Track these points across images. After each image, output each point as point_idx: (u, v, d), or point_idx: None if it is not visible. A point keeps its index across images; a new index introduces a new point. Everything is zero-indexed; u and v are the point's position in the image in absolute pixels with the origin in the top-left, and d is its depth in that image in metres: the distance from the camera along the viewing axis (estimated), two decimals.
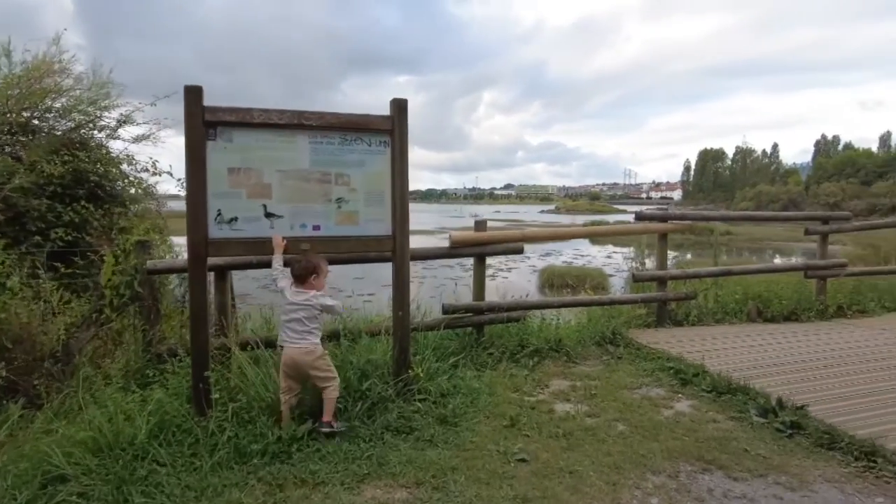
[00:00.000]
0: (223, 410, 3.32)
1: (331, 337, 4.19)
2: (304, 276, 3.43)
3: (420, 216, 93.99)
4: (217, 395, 3.43)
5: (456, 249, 4.79)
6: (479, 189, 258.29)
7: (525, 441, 3.34)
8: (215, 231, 3.44)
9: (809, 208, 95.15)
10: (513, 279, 27.84)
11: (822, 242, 6.75)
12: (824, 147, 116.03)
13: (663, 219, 5.91)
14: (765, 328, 6.07)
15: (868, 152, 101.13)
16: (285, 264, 3.51)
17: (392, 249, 3.74)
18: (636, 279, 5.90)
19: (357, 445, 3.22)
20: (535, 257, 35.93)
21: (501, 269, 30.24)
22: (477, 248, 4.87)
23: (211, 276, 4.24)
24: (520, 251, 4.97)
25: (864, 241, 14.71)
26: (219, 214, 3.44)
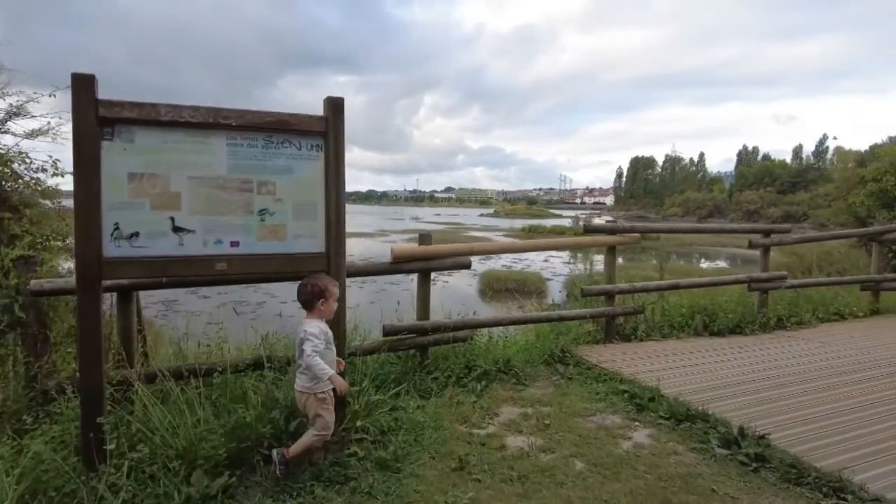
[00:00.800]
0: (119, 464, 2.76)
1: (255, 366, 3.68)
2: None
3: (360, 218, 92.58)
4: (113, 445, 2.86)
5: (398, 265, 4.38)
6: (420, 191, 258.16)
7: (476, 488, 2.96)
8: (111, 249, 2.87)
9: (732, 214, 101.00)
10: (453, 283, 27.63)
11: (764, 255, 6.78)
12: (745, 157, 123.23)
13: (612, 231, 5.72)
14: (712, 343, 5.99)
15: (783, 163, 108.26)
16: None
17: (325, 269, 3.28)
18: (585, 294, 5.68)
19: (282, 503, 2.75)
20: (476, 260, 35.94)
21: (442, 274, 30.05)
22: (421, 263, 4.47)
23: (114, 297, 3.66)
24: (467, 266, 4.61)
25: (787, 250, 15.35)
26: (116, 229, 2.87)
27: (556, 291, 26.11)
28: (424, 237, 4.54)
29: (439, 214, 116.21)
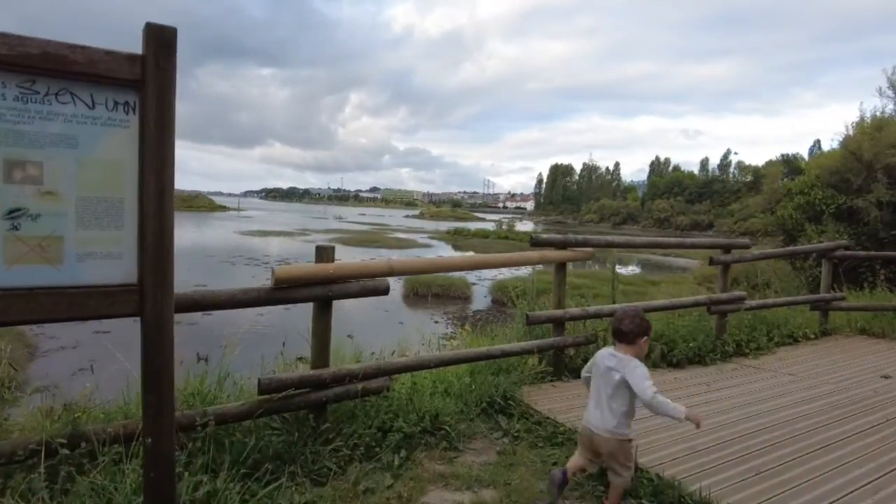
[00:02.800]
0: None
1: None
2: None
3: (281, 216, 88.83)
4: None
5: (284, 292, 3.07)
6: (345, 190, 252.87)
7: None
8: None
9: (644, 221, 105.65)
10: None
11: (724, 273, 6.01)
12: (657, 168, 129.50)
13: (563, 245, 4.67)
14: (675, 379, 5.09)
15: (691, 175, 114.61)
16: None
17: (138, 310, 1.95)
18: (531, 322, 4.59)
19: None
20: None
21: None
22: (319, 290, 3.18)
23: None
24: (383, 290, 3.38)
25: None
26: None
27: (481, 296, 25.41)
28: (324, 251, 3.26)
29: (364, 214, 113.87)
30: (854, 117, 13.37)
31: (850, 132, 13.58)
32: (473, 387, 4.19)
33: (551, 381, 4.72)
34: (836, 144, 14.57)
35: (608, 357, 2.76)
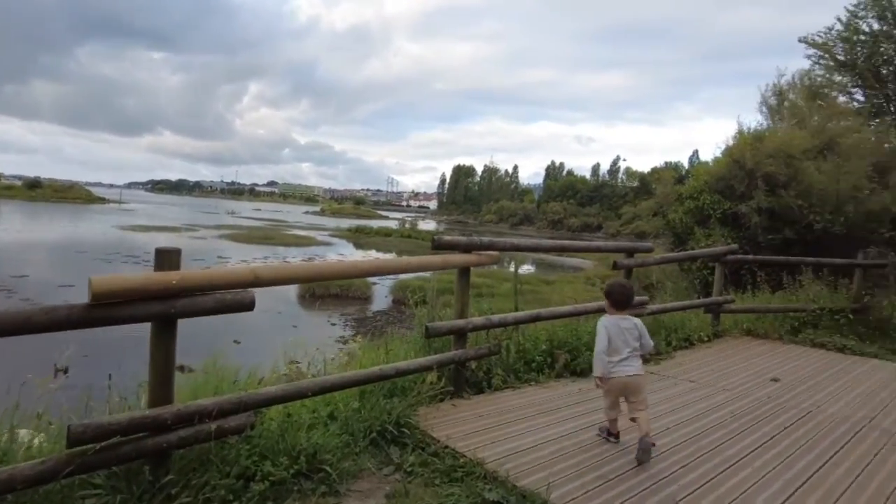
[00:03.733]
0: None
1: None
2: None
3: (167, 210, 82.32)
4: None
5: (107, 309, 2.33)
6: (240, 184, 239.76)
7: None
8: None
9: (539, 223, 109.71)
10: (268, 289, 24.72)
11: (627, 277, 5.85)
12: (552, 172, 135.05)
13: (468, 248, 4.21)
14: (578, 388, 4.80)
15: (583, 179, 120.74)
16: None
17: None
18: (430, 334, 4.09)
19: None
20: (298, 260, 33.17)
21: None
22: (158, 305, 2.47)
23: None
24: (248, 305, 2.72)
25: (605, 264, 15.64)
26: None
27: (382, 296, 24.69)
28: (165, 255, 2.54)
29: (260, 210, 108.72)
30: (733, 130, 14.23)
31: (731, 143, 14.49)
32: (363, 412, 3.62)
33: (451, 399, 4.25)
34: (717, 153, 15.49)
35: (622, 321, 3.57)
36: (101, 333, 3.59)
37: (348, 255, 40.08)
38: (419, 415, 3.85)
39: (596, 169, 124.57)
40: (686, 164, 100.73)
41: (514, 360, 4.97)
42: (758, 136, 12.41)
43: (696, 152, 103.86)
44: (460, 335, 4.27)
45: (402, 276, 28.46)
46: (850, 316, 7.89)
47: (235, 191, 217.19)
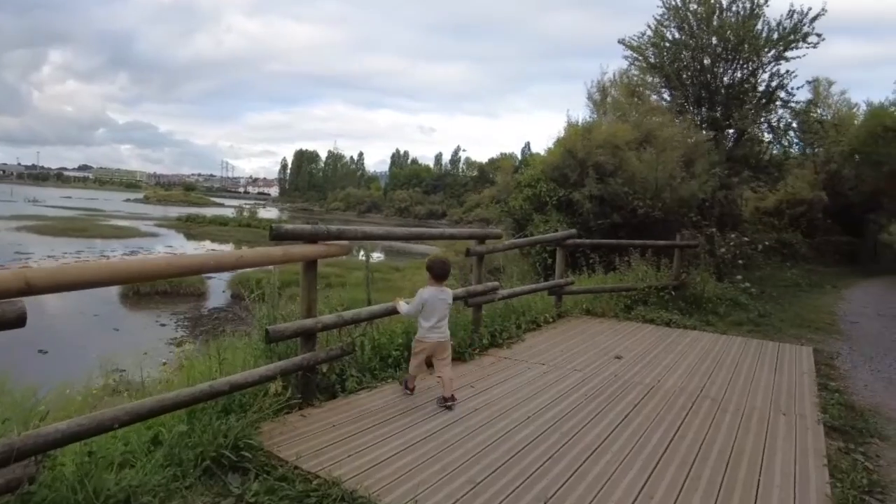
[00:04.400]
0: None
1: None
2: (447, 275, 4.19)
3: None
4: None
5: None
6: (43, 168, 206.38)
7: None
8: None
9: (387, 210, 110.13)
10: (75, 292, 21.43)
11: (479, 264, 5.76)
12: (398, 160, 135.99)
13: (313, 238, 3.72)
14: (436, 379, 4.58)
15: (427, 168, 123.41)
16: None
17: None
18: (273, 338, 3.54)
19: None
20: (118, 256, 29.32)
21: None
22: None
23: None
24: (14, 321, 2.01)
25: (455, 247, 15.86)
26: None
27: (218, 291, 22.72)
28: None
29: (70, 198, 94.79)
30: (562, 123, 15.18)
31: (562, 135, 15.44)
32: (192, 437, 3.01)
33: (300, 409, 3.76)
34: (550, 145, 16.45)
35: (439, 292, 4.09)
36: None
37: (179, 246, 36.50)
38: (262, 432, 3.32)
39: (439, 158, 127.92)
40: (519, 155, 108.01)
41: (369, 357, 4.60)
42: (588, 128, 13.31)
43: (528, 144, 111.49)
44: (308, 336, 3.78)
45: (245, 270, 26.56)
46: (672, 292, 8.72)
47: (38, 176, 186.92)
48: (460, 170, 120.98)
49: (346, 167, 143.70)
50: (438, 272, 4.11)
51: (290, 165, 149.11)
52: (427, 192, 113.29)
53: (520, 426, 3.77)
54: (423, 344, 4.09)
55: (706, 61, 17.93)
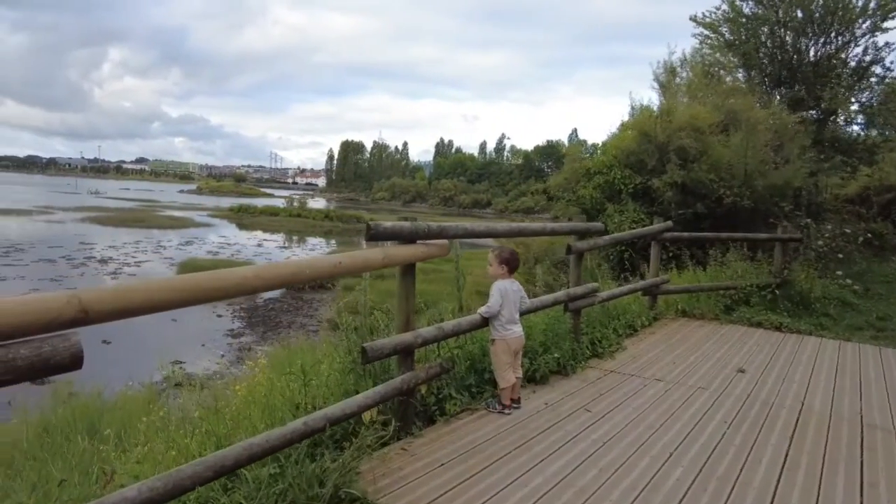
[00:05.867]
0: None
1: None
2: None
3: (16, 190, 71.49)
4: None
5: None
6: (104, 161, 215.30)
7: None
8: None
9: (431, 200, 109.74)
10: (140, 278, 21.82)
11: (579, 263, 5.04)
12: (442, 149, 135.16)
13: (411, 237, 3.11)
14: (543, 402, 3.92)
15: (472, 157, 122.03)
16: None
17: None
18: (370, 357, 2.95)
19: None
20: (174, 247, 29.79)
21: (127, 264, 23.58)
22: None
23: None
24: (69, 363, 1.47)
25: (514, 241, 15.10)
26: None
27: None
28: None
29: (128, 189, 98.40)
30: (618, 107, 14.17)
31: (627, 119, 14.42)
32: (282, 481, 2.45)
33: (399, 440, 3.17)
34: (613, 130, 15.43)
35: (512, 285, 3.75)
36: None
37: (232, 236, 36.96)
38: (362, 474, 2.74)
39: (483, 147, 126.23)
40: (566, 142, 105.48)
41: (465, 372, 3.97)
42: (666, 110, 12.28)
43: (574, 131, 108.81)
44: (406, 354, 3.18)
45: (295, 257, 26.44)
46: (776, 291, 7.77)
47: (99, 168, 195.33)
48: (505, 158, 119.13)
49: (391, 157, 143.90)
50: (515, 264, 3.82)
51: (336, 156, 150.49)
52: (471, 181, 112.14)
53: (665, 468, 3.07)
54: (506, 341, 3.69)
55: (788, 37, 16.51)
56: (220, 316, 17.28)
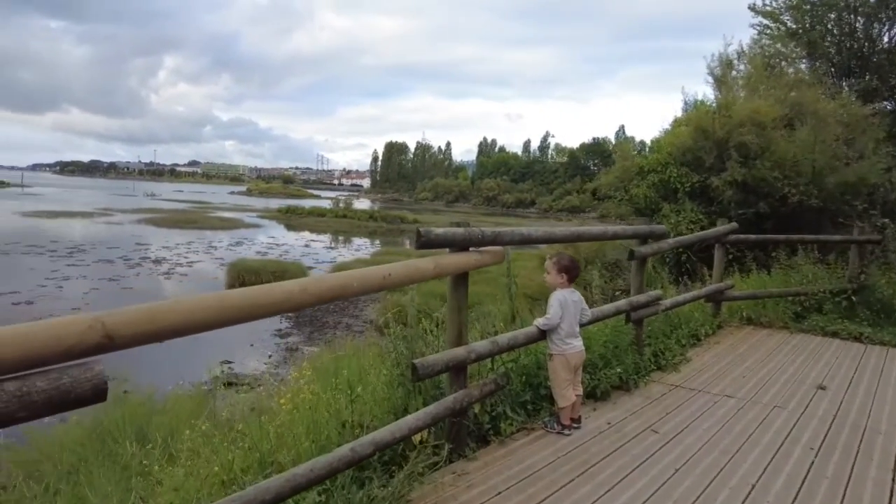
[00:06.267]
0: None
1: None
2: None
3: (81, 193, 75.32)
4: None
5: None
6: (159, 164, 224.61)
7: None
8: None
9: (475, 199, 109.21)
10: (192, 278, 22.37)
11: (641, 269, 4.70)
12: (485, 148, 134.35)
13: (463, 244, 2.88)
14: (606, 422, 3.62)
15: (515, 155, 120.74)
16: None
17: None
18: (421, 375, 2.74)
19: None
20: (224, 247, 30.51)
21: (180, 264, 24.24)
22: None
23: None
24: (91, 395, 1.31)
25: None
26: None
27: None
28: None
29: (182, 191, 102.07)
30: (668, 103, 13.53)
31: (680, 115, 13.78)
32: None
33: (450, 463, 2.94)
34: (666, 126, 14.79)
35: (571, 295, 3.47)
36: None
37: (280, 237, 37.60)
38: (412, 501, 2.52)
39: (527, 145, 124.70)
40: (613, 140, 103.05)
41: (521, 388, 3.71)
42: (725, 105, 11.63)
43: (622, 128, 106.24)
44: (459, 370, 2.95)
45: (341, 259, 26.58)
46: (853, 298, 7.16)
47: (154, 171, 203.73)
48: (549, 156, 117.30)
49: (434, 157, 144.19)
50: (576, 272, 3.53)
51: (380, 157, 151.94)
52: (515, 180, 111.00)
53: (749, 503, 2.73)
54: (566, 357, 3.40)
55: (858, 23, 15.47)
56: (270, 320, 17.50)
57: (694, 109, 13.73)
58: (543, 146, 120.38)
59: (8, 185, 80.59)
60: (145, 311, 1.45)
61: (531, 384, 3.83)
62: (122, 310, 1.40)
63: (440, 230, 2.75)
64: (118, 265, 22.72)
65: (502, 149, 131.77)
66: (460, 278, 2.94)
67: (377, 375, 3.62)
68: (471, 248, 2.96)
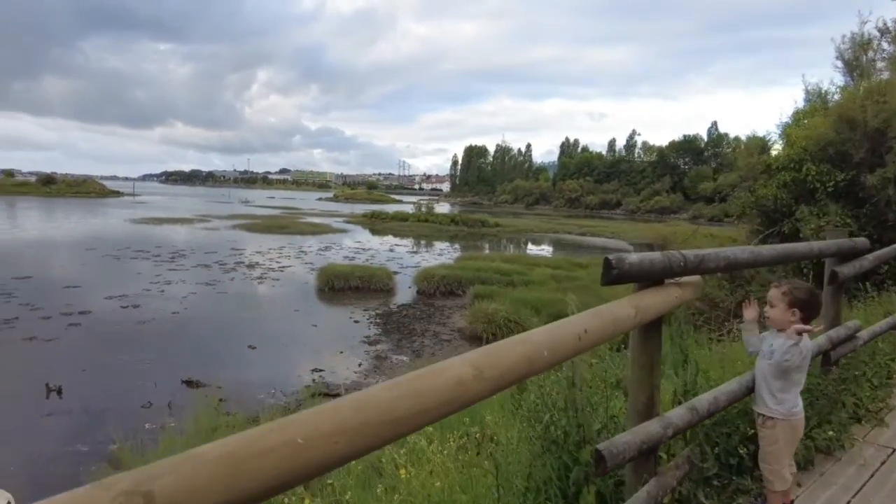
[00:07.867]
0: None
1: None
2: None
3: (182, 201, 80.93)
4: None
5: None
6: (252, 172, 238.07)
7: None
8: None
9: (556, 201, 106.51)
10: (283, 282, 22.71)
11: (839, 293, 3.62)
12: (567, 149, 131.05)
13: (662, 274, 2.03)
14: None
15: (599, 155, 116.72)
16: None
17: None
18: (608, 466, 1.88)
19: None
20: (314, 252, 31.05)
21: (272, 269, 24.77)
22: None
23: None
24: None
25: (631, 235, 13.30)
26: None
27: (405, 287, 22.49)
28: None
29: (273, 198, 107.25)
30: (774, 96, 11.89)
31: (801, 106, 12.13)
32: None
33: None
34: (785, 119, 13.13)
35: (808, 341, 2.50)
36: None
37: (365, 241, 38.01)
38: None
39: (612, 144, 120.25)
40: (705, 137, 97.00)
41: (710, 462, 2.79)
42: (879, 89, 9.97)
43: (714, 124, 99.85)
44: (650, 452, 2.10)
45: (425, 264, 26.11)
46: None
47: (248, 179, 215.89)
48: (636, 155, 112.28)
49: (514, 160, 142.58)
50: (814, 310, 2.50)
51: (460, 161, 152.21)
52: (599, 180, 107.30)
53: None
54: (791, 423, 2.52)
55: None
56: (356, 322, 17.26)
57: (818, 99, 12.05)
58: (630, 145, 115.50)
59: (122, 194, 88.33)
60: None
61: (715, 453, 2.90)
62: (173, 472, 0.70)
63: (635, 257, 1.92)
64: (215, 270, 23.49)
65: (585, 149, 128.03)
66: (654, 322, 2.10)
67: (514, 430, 2.84)
68: (666, 280, 2.11)
